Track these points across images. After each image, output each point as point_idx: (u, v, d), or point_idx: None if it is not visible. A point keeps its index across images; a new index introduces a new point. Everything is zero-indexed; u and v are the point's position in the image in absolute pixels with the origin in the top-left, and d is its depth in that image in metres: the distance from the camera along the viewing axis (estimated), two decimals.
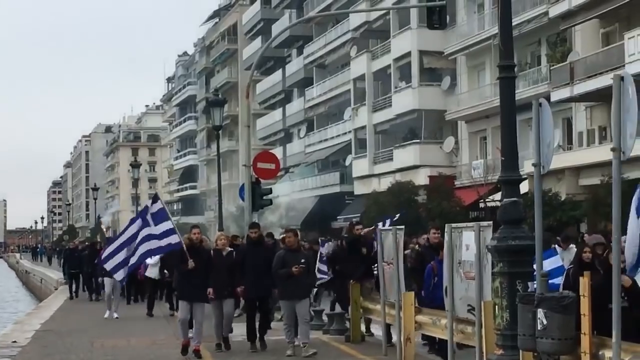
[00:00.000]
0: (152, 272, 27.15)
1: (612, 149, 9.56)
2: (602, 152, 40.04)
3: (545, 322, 10.30)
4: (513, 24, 49.63)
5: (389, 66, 59.74)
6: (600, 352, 10.02)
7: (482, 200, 44.85)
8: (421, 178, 53.81)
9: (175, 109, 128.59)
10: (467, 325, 13.35)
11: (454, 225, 13.69)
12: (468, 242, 13.02)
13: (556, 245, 18.03)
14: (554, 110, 44.97)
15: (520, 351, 11.39)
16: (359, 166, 63.60)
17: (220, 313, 18.10)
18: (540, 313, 10.34)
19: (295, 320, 17.28)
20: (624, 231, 10.87)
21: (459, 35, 52.16)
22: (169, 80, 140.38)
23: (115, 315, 26.73)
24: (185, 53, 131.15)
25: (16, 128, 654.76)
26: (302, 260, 17.23)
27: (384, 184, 55.69)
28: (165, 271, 26.95)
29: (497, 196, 37.62)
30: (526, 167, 44.43)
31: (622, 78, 9.42)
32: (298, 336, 17.30)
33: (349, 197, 65.32)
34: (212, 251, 18.10)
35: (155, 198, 18.27)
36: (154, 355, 17.94)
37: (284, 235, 21.46)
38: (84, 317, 27.77)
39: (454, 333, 13.77)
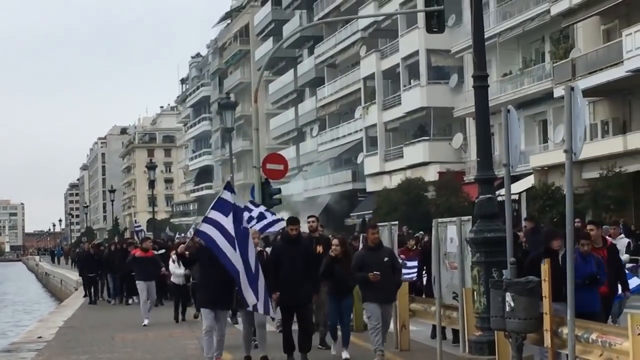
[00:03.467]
0: (177, 279, 24.97)
1: (565, 151, 10.81)
2: (604, 146, 40.92)
3: (512, 304, 11.57)
4: (518, 22, 50.30)
5: (397, 65, 60.78)
6: (559, 329, 11.27)
7: None
8: (431, 174, 54.85)
9: (190, 110, 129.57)
10: (453, 311, 14.65)
11: (440, 220, 14.93)
12: (452, 235, 14.29)
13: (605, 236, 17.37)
14: (558, 106, 46.09)
15: (495, 331, 12.61)
16: (371, 164, 64.62)
17: (250, 322, 15.87)
18: (508, 296, 11.61)
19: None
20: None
21: (465, 34, 52.92)
22: (182, 81, 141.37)
23: (146, 321, 24.25)
24: (198, 54, 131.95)
25: (32, 132, 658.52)
26: (385, 259, 15.07)
27: (395, 181, 56.66)
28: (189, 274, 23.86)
29: (503, 191, 38.42)
30: (532, 161, 45.51)
31: (572, 89, 10.65)
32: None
33: (361, 195, 66.30)
34: None
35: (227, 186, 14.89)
36: (170, 346, 19.11)
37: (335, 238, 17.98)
38: (105, 314, 28.97)
39: (441, 319, 15.02)
